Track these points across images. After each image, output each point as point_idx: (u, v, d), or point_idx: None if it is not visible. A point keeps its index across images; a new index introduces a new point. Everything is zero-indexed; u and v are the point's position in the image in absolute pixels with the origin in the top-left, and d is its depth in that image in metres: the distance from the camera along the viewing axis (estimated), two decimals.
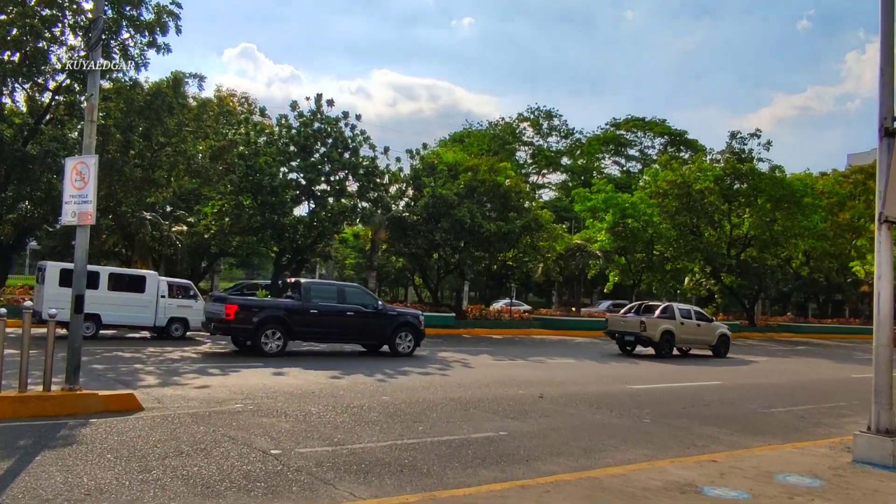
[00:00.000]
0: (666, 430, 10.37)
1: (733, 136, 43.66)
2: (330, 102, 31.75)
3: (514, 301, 38.96)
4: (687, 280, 45.54)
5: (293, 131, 31.55)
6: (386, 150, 32.81)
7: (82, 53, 20.04)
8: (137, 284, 20.68)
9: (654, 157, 74.64)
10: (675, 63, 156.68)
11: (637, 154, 79.54)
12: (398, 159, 34.39)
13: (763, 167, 43.10)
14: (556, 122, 77.10)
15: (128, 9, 20.83)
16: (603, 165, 79.75)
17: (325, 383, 13.29)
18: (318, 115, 31.67)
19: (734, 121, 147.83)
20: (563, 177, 78.25)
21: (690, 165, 42.84)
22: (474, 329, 32.10)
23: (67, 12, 21.12)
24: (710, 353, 25.46)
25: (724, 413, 12.32)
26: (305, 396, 11.64)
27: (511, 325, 34.45)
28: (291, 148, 31.45)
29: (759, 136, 43.48)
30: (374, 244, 35.17)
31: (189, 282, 23.17)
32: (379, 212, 32.40)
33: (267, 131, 32.39)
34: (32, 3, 20.63)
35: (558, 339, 31.26)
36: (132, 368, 14.17)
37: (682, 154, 72.51)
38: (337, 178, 31.67)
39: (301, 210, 32.55)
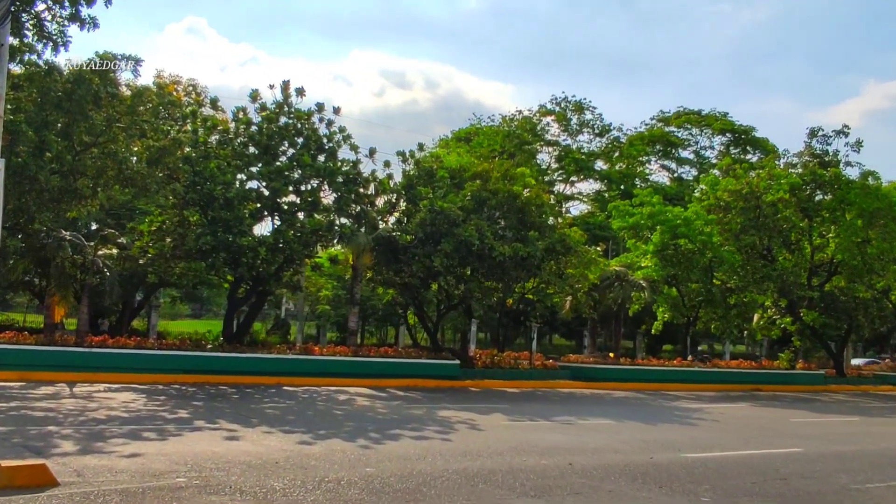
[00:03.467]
0: None
1: (813, 133, 43.76)
2: (300, 92, 31.92)
3: (533, 344, 38.81)
4: (756, 317, 45.48)
5: (253, 128, 31.67)
6: (371, 151, 32.96)
7: None
8: None
9: (713, 161, 74.87)
10: (737, 42, 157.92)
11: (691, 157, 79.87)
12: (387, 163, 34.34)
13: (852, 173, 43.24)
14: (587, 115, 77.52)
15: None
16: (648, 171, 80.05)
17: (292, 451, 13.19)
18: (286, 108, 31.80)
19: (813, 115, 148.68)
20: (598, 185, 78.49)
21: (759, 171, 43.00)
22: (484, 381, 31.99)
23: None
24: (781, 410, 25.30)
25: (807, 489, 12.20)
26: (267, 468, 11.53)
27: (531, 375, 34.30)
28: (251, 149, 31.54)
29: (846, 135, 43.54)
30: (357, 272, 35.11)
31: None
32: (363, 230, 32.39)
33: (220, 128, 32.50)
34: None
35: (591, 393, 31.12)
36: (45, 431, 14.08)
37: (748, 157, 72.84)
38: (309, 187, 31.72)
39: (263, 228, 32.58)
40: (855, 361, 54.81)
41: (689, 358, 42.82)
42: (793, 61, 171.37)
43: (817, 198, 42.01)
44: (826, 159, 42.54)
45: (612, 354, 42.98)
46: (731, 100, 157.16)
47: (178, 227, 30.86)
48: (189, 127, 31.36)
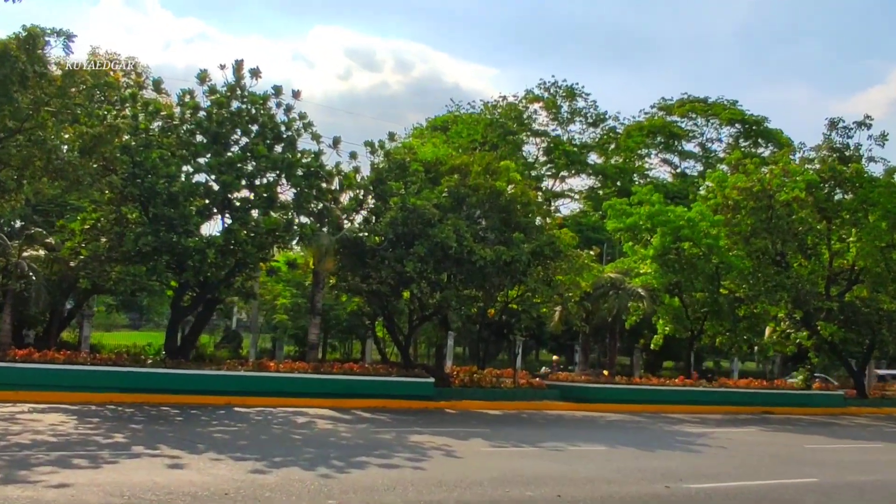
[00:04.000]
0: None
1: (833, 125, 44.14)
2: (255, 73, 31.79)
3: (518, 360, 38.89)
4: (768, 331, 45.77)
5: (201, 114, 31.51)
6: (336, 141, 32.87)
7: None
8: None
9: (721, 155, 75.43)
10: (749, 22, 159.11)
11: (696, 150, 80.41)
12: (353, 155, 34.21)
13: (876, 170, 43.73)
14: (580, 103, 77.88)
15: None
16: (648, 165, 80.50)
17: (243, 480, 13.18)
18: (238, 92, 31.67)
19: (833, 104, 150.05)
20: (591, 181, 78.87)
21: (772, 167, 43.21)
22: (462, 401, 32.03)
23: None
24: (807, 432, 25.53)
25: None
26: (215, 500, 11.52)
27: (515, 395, 34.39)
28: (199, 138, 31.39)
29: (869, 126, 43.97)
30: (318, 277, 35.01)
31: None
32: (325, 230, 32.32)
33: (163, 113, 32.32)
34: None
35: (583, 415, 31.24)
36: None
37: (759, 150, 73.41)
38: (265, 181, 31.61)
39: (212, 227, 32.42)
40: (879, 372, 55.32)
41: (694, 374, 42.99)
42: (810, 44, 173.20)
43: (837, 197, 42.33)
44: (847, 154, 42.87)
45: (606, 372, 43.23)
46: (742, 86, 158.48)
47: (114, 225, 30.64)
48: (128, 112, 31.12)
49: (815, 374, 47.40)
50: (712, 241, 40.67)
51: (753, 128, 76.35)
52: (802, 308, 41.81)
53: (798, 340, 44.64)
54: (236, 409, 25.55)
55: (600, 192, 75.42)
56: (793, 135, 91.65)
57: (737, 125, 77.20)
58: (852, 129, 43.68)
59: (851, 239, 42.11)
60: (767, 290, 40.76)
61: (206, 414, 23.52)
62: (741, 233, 40.51)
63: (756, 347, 47.40)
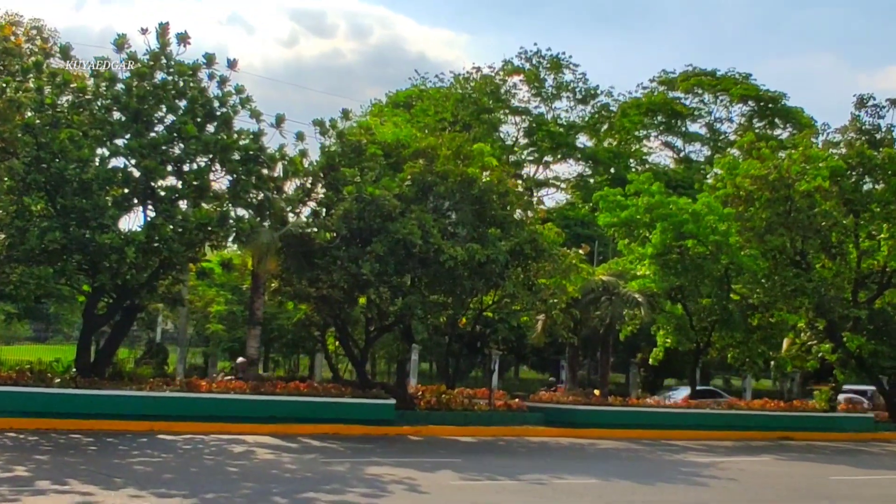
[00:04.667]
0: None
1: (861, 102, 44.41)
2: (183, 39, 31.58)
3: (494, 378, 38.81)
4: (786, 343, 46.01)
5: (119, 87, 31.28)
6: (279, 120, 32.68)
7: None
8: None
9: (731, 137, 75.88)
10: None
11: (703, 131, 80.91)
12: (300, 136, 33.99)
13: None
14: (567, 76, 78.13)
15: None
16: (646, 149, 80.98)
17: None
18: (163, 61, 31.45)
19: (862, 77, 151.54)
20: (580, 168, 79.16)
21: (791, 152, 43.47)
22: (428, 426, 31.99)
23: None
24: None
25: None
26: None
27: (491, 419, 34.39)
28: (116, 115, 31.14)
29: None
30: (258, 281, 34.83)
31: None
32: (266, 225, 32.17)
33: (74, 86, 32.05)
34: None
35: (570, 443, 31.30)
36: None
37: (776, 132, 73.98)
38: (194, 166, 31.42)
39: (132, 222, 32.17)
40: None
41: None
42: (836, 7, 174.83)
43: (866, 187, 42.57)
44: (878, 136, 43.13)
45: (597, 392, 43.21)
46: (756, 57, 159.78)
47: (15, 218, 30.26)
48: (32, 84, 30.85)
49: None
50: (721, 239, 40.74)
51: (769, 106, 76.90)
52: (826, 316, 42.05)
53: (821, 354, 44.80)
54: (161, 436, 25.43)
55: (591, 180, 75.68)
56: (815, 114, 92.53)
57: (750, 102, 77.75)
58: (884, 107, 43.94)
59: (883, 236, 42.34)
60: (785, 295, 40.96)
61: (124, 442, 23.38)
62: (755, 228, 40.64)
63: (772, 363, 47.59)
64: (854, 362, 44.25)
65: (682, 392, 48.45)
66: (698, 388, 47.63)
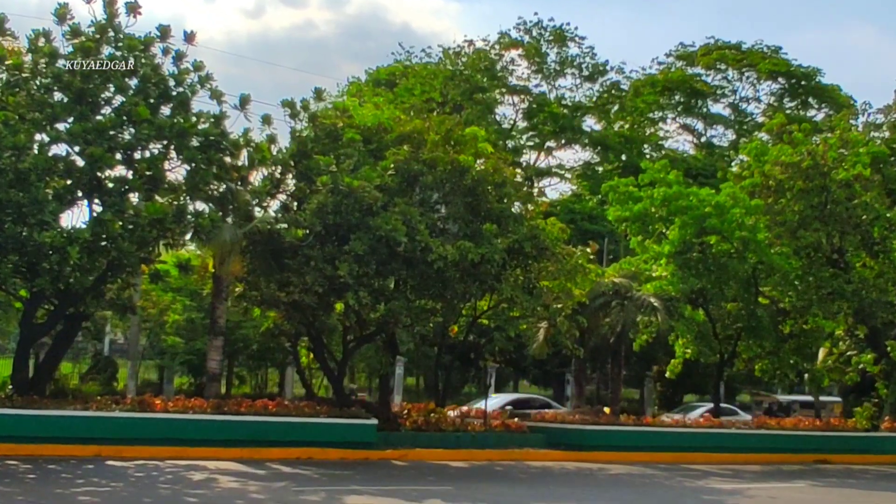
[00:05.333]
0: None
1: None
2: (133, 9, 31.55)
3: (490, 394, 38.80)
4: (822, 353, 46.12)
5: (61, 64, 31.28)
6: (244, 101, 32.67)
7: None
8: None
9: (759, 120, 76.01)
10: None
11: (726, 113, 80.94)
12: (267, 119, 34.02)
13: None
14: (572, 49, 78.25)
15: None
16: (662, 133, 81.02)
17: None
18: (111, 34, 31.47)
19: None
20: (587, 154, 79.19)
21: (827, 136, 43.58)
22: (415, 450, 31.99)
23: None
24: None
25: None
26: None
27: (487, 441, 34.42)
28: (58, 96, 31.13)
29: None
30: (220, 284, 34.82)
31: None
32: (229, 221, 32.17)
33: (9, 62, 32.06)
34: None
35: (577, 467, 31.35)
36: None
37: (810, 113, 74.11)
38: (147, 154, 31.44)
39: (76, 217, 32.19)
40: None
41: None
42: None
43: None
44: None
45: (607, 409, 43.29)
46: (787, 28, 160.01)
47: None
48: None
49: None
50: (748, 235, 40.90)
51: (802, 83, 77.07)
52: (867, 323, 42.20)
53: (861, 366, 44.87)
54: (110, 462, 25.46)
55: (599, 168, 75.83)
56: (854, 93, 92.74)
57: (780, 80, 77.93)
58: None
59: None
60: (821, 298, 41.05)
61: (68, 469, 23.40)
62: (786, 223, 40.71)
63: (806, 375, 47.73)
64: None
65: (700, 409, 48.65)
66: (695, 403, 47.79)
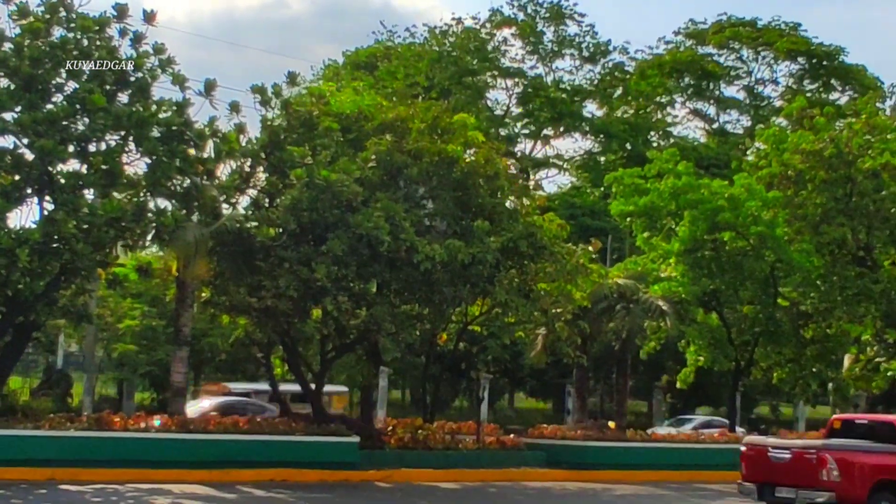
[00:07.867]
0: None
1: None
2: None
3: (483, 407, 38.78)
4: (848, 360, 46.17)
5: (7, 47, 31.25)
6: (209, 87, 32.63)
7: None
8: None
9: (778, 103, 76.15)
10: None
11: (741, 96, 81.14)
12: (235, 107, 34.00)
13: None
14: (571, 28, 78.39)
15: None
16: (670, 119, 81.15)
17: None
18: (63, 14, 31.42)
19: None
20: (588, 143, 79.32)
21: (851, 121, 43.62)
22: (401, 470, 31.96)
23: None
24: None
25: None
26: None
27: (480, 459, 34.48)
28: (4, 82, 31.12)
29: None
30: (185, 289, 34.76)
31: None
32: (195, 219, 32.14)
33: None
34: None
35: (579, 488, 31.42)
36: None
37: (833, 97, 74.26)
38: (103, 146, 31.40)
39: (24, 217, 32.12)
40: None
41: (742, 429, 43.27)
42: None
43: None
44: None
45: (612, 424, 43.31)
46: (807, 4, 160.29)
47: None
48: None
49: None
50: (765, 230, 40.91)
51: (824, 63, 77.24)
52: None
53: (890, 373, 44.98)
54: (64, 486, 25.47)
55: (601, 159, 75.95)
56: (881, 73, 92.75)
57: (799, 59, 78.11)
58: None
59: None
60: (846, 300, 41.12)
61: (18, 494, 23.42)
62: (807, 217, 40.80)
63: (830, 384, 47.74)
64: None
65: (694, 422, 48.77)
66: (681, 416, 47.81)
